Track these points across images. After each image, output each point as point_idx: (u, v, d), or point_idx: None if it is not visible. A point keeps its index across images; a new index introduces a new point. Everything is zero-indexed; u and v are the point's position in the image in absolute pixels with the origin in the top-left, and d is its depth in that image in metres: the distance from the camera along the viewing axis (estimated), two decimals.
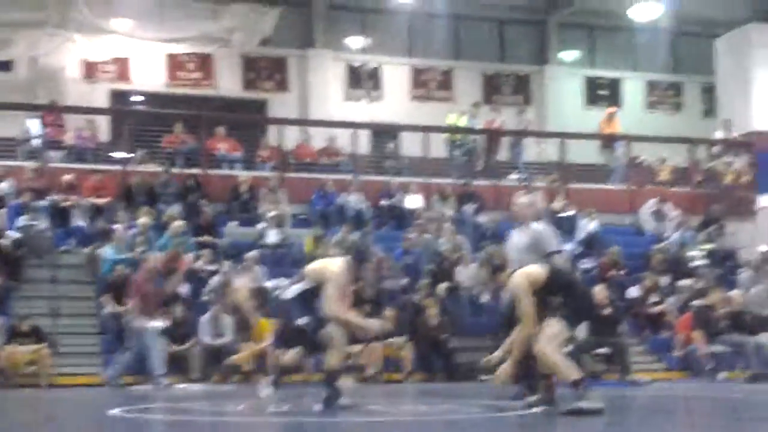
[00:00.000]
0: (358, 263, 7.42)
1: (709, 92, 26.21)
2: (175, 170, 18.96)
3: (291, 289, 7.51)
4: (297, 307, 7.55)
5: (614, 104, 24.91)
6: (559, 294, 7.04)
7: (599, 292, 14.80)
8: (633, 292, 17.33)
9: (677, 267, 18.11)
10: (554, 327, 6.94)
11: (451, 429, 6.09)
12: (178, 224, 16.64)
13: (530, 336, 7.05)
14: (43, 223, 16.93)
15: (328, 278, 7.44)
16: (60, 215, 17.46)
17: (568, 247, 18.83)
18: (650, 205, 20.29)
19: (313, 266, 7.63)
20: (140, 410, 8.35)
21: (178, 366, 14.58)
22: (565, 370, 6.89)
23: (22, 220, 16.83)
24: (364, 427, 6.66)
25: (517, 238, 9.54)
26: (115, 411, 7.98)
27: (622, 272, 17.82)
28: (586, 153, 22.24)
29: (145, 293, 13.64)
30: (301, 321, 7.44)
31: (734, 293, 15.91)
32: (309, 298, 7.56)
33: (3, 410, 9.61)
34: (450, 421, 6.67)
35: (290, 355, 7.57)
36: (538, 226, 9.86)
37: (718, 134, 22.57)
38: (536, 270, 7.19)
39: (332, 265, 7.52)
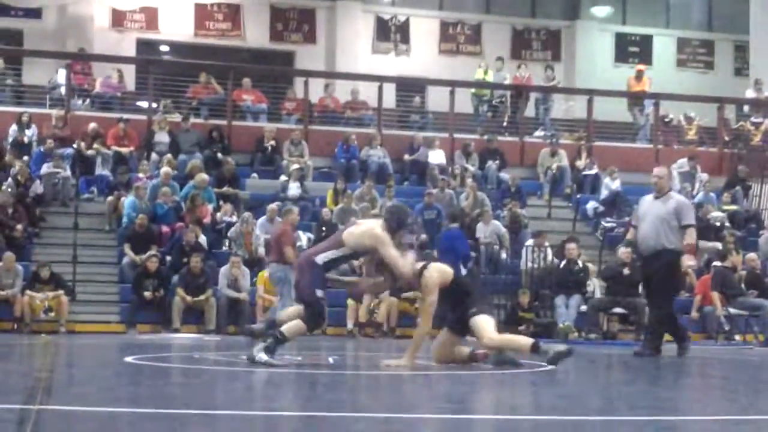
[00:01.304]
0: (394, 230, 7.35)
1: (741, 51, 25.82)
2: (199, 120, 19.04)
3: (325, 254, 7.43)
4: (321, 275, 7.48)
5: (644, 62, 24.60)
6: (458, 300, 7.46)
7: (623, 250, 14.75)
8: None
9: (699, 228, 17.94)
10: (482, 319, 7.36)
11: (456, 383, 6.16)
12: (203, 177, 16.73)
13: (428, 332, 7.70)
14: (66, 171, 17.11)
15: (379, 244, 7.32)
16: (84, 163, 17.61)
17: (591, 205, 18.83)
18: (680, 164, 20.10)
19: (351, 232, 7.46)
20: (156, 358, 8.47)
21: (195, 317, 14.77)
22: (520, 343, 7.51)
23: (45, 167, 17.01)
24: (370, 380, 6.74)
25: (654, 207, 9.84)
26: (131, 359, 8.11)
27: None
28: (614, 111, 22.03)
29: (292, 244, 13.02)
30: (320, 293, 7.39)
31: (752, 256, 15.80)
32: (338, 265, 7.61)
33: (20, 355, 9.79)
34: (456, 375, 6.74)
35: (292, 327, 7.49)
36: (681, 198, 10.02)
37: (749, 94, 22.26)
38: (447, 270, 7.54)
39: (376, 229, 7.37)
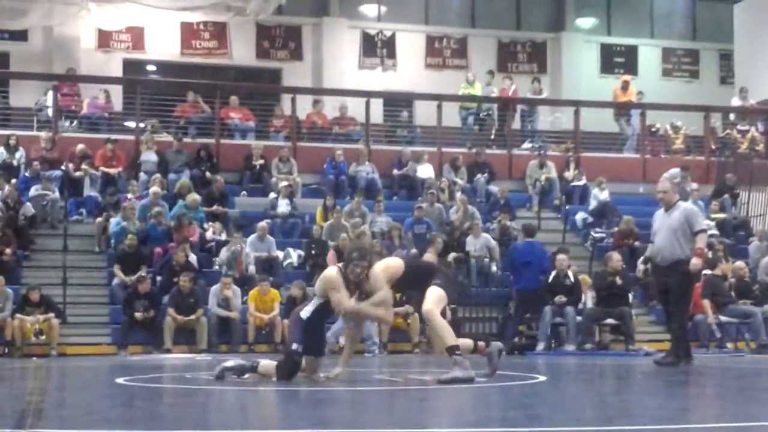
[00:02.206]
0: (348, 263, 7.48)
1: (726, 59, 25.97)
2: (187, 140, 19.04)
3: (306, 308, 7.70)
4: (302, 329, 7.68)
5: (630, 72, 24.73)
6: (420, 283, 7.47)
7: (615, 259, 14.79)
8: (644, 262, 17.23)
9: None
10: (437, 292, 7.35)
11: (453, 398, 6.16)
12: (194, 197, 16.71)
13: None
14: (55, 193, 17.07)
15: (326, 286, 7.60)
16: (72, 185, 17.58)
17: (580, 216, 18.86)
18: (672, 174, 20.11)
19: (317, 281, 7.80)
20: (147, 379, 8.43)
21: (186, 336, 14.73)
22: (446, 335, 7.24)
23: (34, 190, 16.97)
24: (370, 395, 6.73)
25: (665, 220, 10.01)
26: (123, 380, 8.07)
27: (636, 242, 17.74)
28: (600, 121, 22.11)
29: None
30: (295, 346, 7.61)
31: (740, 264, 15.84)
32: (321, 316, 7.74)
33: (11, 378, 9.74)
34: (449, 389, 6.73)
35: (266, 366, 7.76)
36: (688, 205, 10.12)
37: (735, 102, 22.37)
38: (391, 264, 7.54)
39: (327, 273, 7.66)
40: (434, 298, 7.36)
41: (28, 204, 16.55)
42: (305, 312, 7.69)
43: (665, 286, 10.20)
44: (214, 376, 7.80)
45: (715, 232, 18.17)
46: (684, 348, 10.20)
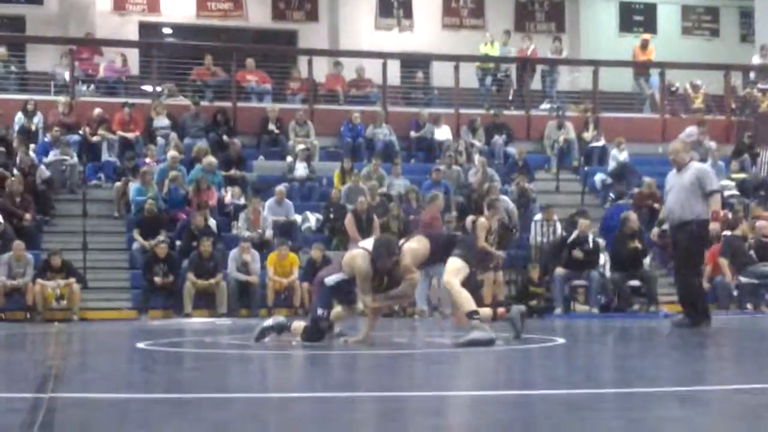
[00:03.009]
0: (378, 259, 7.49)
1: (747, 17, 25.61)
2: (204, 103, 19.01)
3: (333, 276, 7.75)
4: (327, 295, 7.79)
5: (649, 31, 24.46)
6: (442, 255, 7.56)
7: (632, 220, 14.74)
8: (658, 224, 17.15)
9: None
10: (456, 263, 7.39)
11: (471, 361, 6.17)
12: (210, 160, 16.71)
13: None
14: (73, 158, 17.12)
15: (356, 273, 7.64)
16: (90, 150, 17.62)
17: (599, 177, 18.76)
18: (688, 133, 20.01)
19: (344, 258, 7.83)
20: (167, 344, 8.48)
21: (206, 301, 14.81)
22: (464, 302, 7.28)
23: (52, 155, 17.01)
24: (388, 359, 6.75)
25: (677, 180, 9.93)
26: (143, 344, 8.12)
27: (656, 204, 17.63)
28: (619, 81, 21.92)
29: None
30: (320, 312, 7.70)
31: (762, 224, 15.72)
32: (346, 287, 7.84)
33: (32, 343, 9.81)
34: (467, 352, 6.74)
35: (296, 326, 7.85)
36: (701, 165, 10.03)
37: (755, 60, 22.11)
38: (417, 247, 7.57)
39: (355, 261, 7.64)
40: (453, 268, 7.39)
41: (43, 167, 16.56)
42: (330, 279, 7.74)
43: (675, 245, 10.17)
44: (254, 337, 7.80)
45: (735, 192, 18.07)
46: (701, 309, 10.15)
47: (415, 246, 7.61)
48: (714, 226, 9.80)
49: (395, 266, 7.49)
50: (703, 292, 10.67)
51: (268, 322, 7.99)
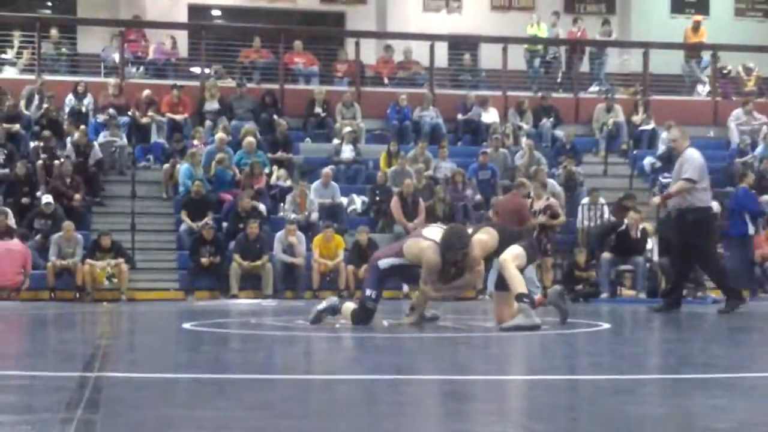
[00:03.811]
0: (448, 251, 7.46)
1: None
2: (251, 85, 19.09)
3: (388, 260, 7.80)
4: (378, 276, 7.86)
5: (701, 12, 24.08)
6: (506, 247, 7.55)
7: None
8: (714, 207, 16.94)
9: (760, 181, 17.64)
10: (517, 249, 7.43)
11: (514, 346, 6.15)
12: (249, 140, 16.77)
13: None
14: (123, 140, 17.28)
15: (424, 264, 7.65)
16: (139, 131, 17.78)
17: (648, 161, 18.55)
18: (736, 116, 19.75)
19: (410, 246, 7.77)
20: (213, 324, 8.55)
21: (252, 282, 14.90)
22: (516, 283, 7.29)
23: (102, 136, 17.18)
24: (433, 342, 6.75)
25: (676, 169, 10.29)
26: (189, 325, 8.20)
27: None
28: (670, 64, 21.64)
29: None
30: (368, 292, 7.77)
31: None
32: (399, 271, 7.91)
33: (81, 323, 9.95)
34: (512, 336, 6.72)
35: (346, 307, 7.90)
36: (689, 153, 10.12)
37: None
38: (487, 240, 7.59)
39: (425, 253, 7.61)
40: (512, 253, 7.40)
41: (97, 148, 16.73)
42: (383, 262, 7.80)
43: (675, 233, 10.38)
44: (309, 321, 7.83)
45: None
46: (729, 291, 10.29)
47: (484, 238, 7.57)
48: (653, 200, 10.27)
49: (464, 258, 7.47)
50: (725, 273, 10.73)
51: (322, 305, 7.98)
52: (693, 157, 10.15)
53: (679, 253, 10.42)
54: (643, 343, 6.97)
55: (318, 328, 7.64)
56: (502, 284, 7.54)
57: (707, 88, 21.12)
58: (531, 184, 14.39)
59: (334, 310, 7.90)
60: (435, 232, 7.73)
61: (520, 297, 7.23)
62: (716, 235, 11.12)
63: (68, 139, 16.76)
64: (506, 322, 7.36)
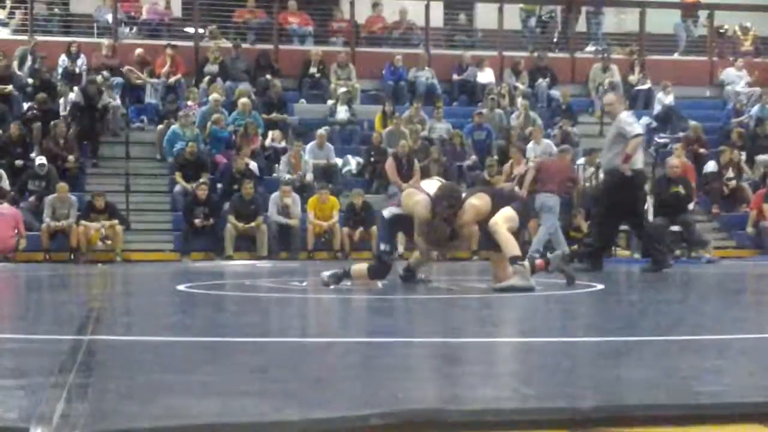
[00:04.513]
0: (437, 206, 7.45)
1: None
2: (246, 45, 18.97)
3: (390, 209, 7.86)
4: (387, 228, 7.90)
5: None
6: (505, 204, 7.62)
7: (676, 164, 14.57)
8: (709, 167, 16.97)
9: (755, 141, 17.64)
10: (510, 213, 7.43)
11: (507, 307, 6.17)
12: (244, 101, 16.71)
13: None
14: (116, 101, 17.20)
15: (415, 216, 7.66)
16: (133, 92, 17.70)
17: (644, 121, 18.52)
18: (732, 72, 19.71)
19: (406, 196, 7.85)
20: (208, 286, 8.55)
21: (246, 244, 14.91)
22: (510, 246, 7.28)
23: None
24: (428, 304, 6.76)
25: (610, 131, 10.56)
26: (183, 287, 8.20)
27: (702, 150, 17.41)
28: (667, 23, 21.53)
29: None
30: (382, 246, 7.79)
31: None
32: (401, 221, 7.88)
33: (75, 285, 9.96)
34: (506, 298, 6.73)
35: (358, 268, 7.88)
36: (623, 115, 10.22)
37: None
38: (480, 205, 7.58)
39: (417, 207, 7.62)
40: (504, 216, 7.39)
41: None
42: (387, 211, 7.84)
43: (605, 194, 10.60)
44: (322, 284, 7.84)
45: None
46: (655, 252, 10.61)
47: (477, 203, 7.55)
48: (623, 167, 10.02)
49: (454, 218, 7.44)
50: (652, 236, 11.04)
51: (326, 273, 7.87)
52: (627, 117, 10.43)
53: (607, 213, 10.56)
54: (637, 304, 6.99)
55: (312, 290, 7.64)
56: (496, 246, 7.54)
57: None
58: (516, 149, 14.65)
59: (338, 279, 7.78)
60: (432, 185, 7.74)
61: (513, 259, 7.22)
62: (645, 196, 11.25)
63: (75, 89, 16.56)
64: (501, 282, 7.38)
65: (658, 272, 10.17)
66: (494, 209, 7.52)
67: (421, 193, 7.64)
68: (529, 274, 7.24)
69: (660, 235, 14.27)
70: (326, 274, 7.85)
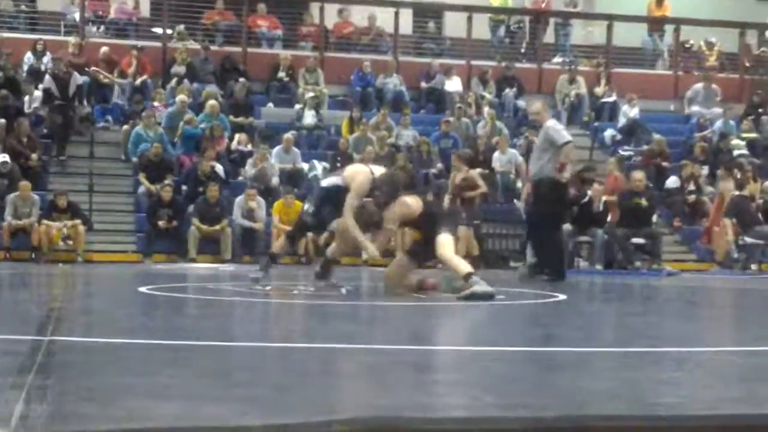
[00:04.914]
0: (378, 189, 7.53)
1: None
2: (214, 48, 18.91)
3: (328, 179, 8.10)
4: (319, 194, 8.13)
5: None
6: (431, 227, 7.70)
7: (637, 178, 14.71)
8: (672, 181, 17.14)
9: (718, 156, 17.84)
10: (446, 237, 7.57)
11: (468, 316, 6.19)
12: (212, 104, 16.65)
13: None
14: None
15: (353, 186, 7.75)
16: (99, 92, 17.58)
17: (609, 133, 18.67)
18: (695, 90, 19.91)
19: (350, 169, 8.10)
20: (170, 288, 8.50)
21: (210, 246, 14.84)
22: (459, 266, 7.43)
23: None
24: (390, 311, 6.76)
25: (537, 140, 10.83)
26: (145, 289, 8.15)
27: (665, 163, 17.57)
28: (633, 36, 21.73)
29: None
30: (306, 206, 8.19)
31: None
32: (335, 195, 7.98)
33: (36, 284, 9.86)
34: (469, 306, 6.75)
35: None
36: (550, 123, 10.44)
37: None
38: (411, 205, 7.73)
39: (358, 176, 7.76)
40: (444, 243, 7.52)
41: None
42: (326, 181, 8.18)
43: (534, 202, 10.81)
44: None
45: (745, 152, 18.00)
46: (553, 266, 10.62)
47: (409, 202, 7.74)
48: (559, 176, 10.25)
49: (386, 206, 7.60)
50: (559, 251, 11.09)
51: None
52: (554, 125, 10.66)
53: (537, 222, 10.80)
54: (598, 316, 7.04)
55: (276, 294, 7.64)
56: (417, 249, 7.85)
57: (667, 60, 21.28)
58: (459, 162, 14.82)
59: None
60: (379, 170, 7.96)
61: (467, 277, 7.30)
62: (563, 207, 11.37)
63: (46, 77, 16.41)
64: (391, 286, 7.70)
65: (557, 282, 10.22)
66: (423, 219, 7.70)
67: (366, 173, 7.84)
68: (485, 283, 7.30)
69: (621, 246, 14.44)
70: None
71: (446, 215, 8.20)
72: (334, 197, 7.92)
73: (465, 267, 7.43)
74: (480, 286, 7.18)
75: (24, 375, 3.11)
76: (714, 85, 19.95)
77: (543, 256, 10.92)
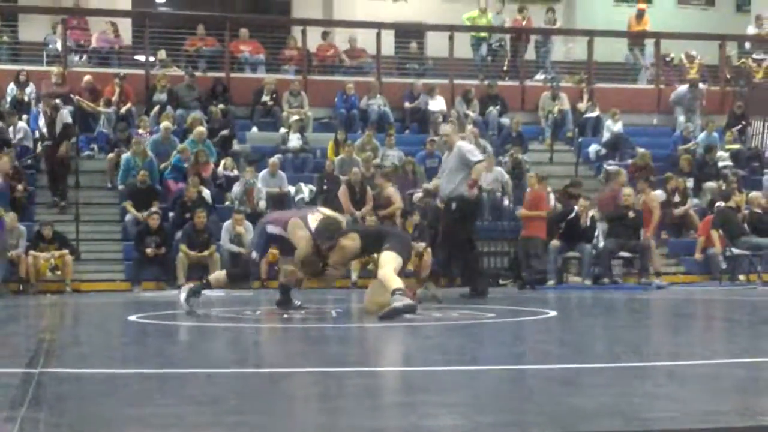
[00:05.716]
0: (318, 239, 7.89)
1: None
2: (197, 74, 18.92)
3: (273, 228, 8.31)
4: (264, 241, 8.45)
5: (644, 0, 24.33)
6: (376, 246, 8.03)
7: (626, 193, 14.77)
8: (657, 194, 17.17)
9: (703, 168, 17.91)
10: (390, 254, 7.77)
11: (458, 334, 6.18)
12: (200, 130, 16.65)
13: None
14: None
15: (297, 250, 8.09)
16: (83, 120, 17.54)
17: (593, 148, 18.73)
18: (680, 93, 20.01)
19: (293, 226, 8.19)
20: (160, 316, 8.48)
21: (199, 273, 14.78)
22: (390, 283, 7.47)
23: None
24: (379, 333, 6.75)
25: (447, 162, 10.97)
26: (135, 317, 8.13)
27: (651, 178, 17.61)
28: (614, 52, 21.85)
29: None
30: (253, 255, 8.46)
31: (756, 195, 15.73)
32: (280, 242, 8.37)
33: (25, 316, 9.82)
34: (460, 325, 6.75)
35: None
36: (462, 144, 10.78)
37: (750, 30, 22.07)
38: (352, 244, 8.05)
39: (302, 242, 8.03)
40: (386, 260, 7.71)
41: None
42: (271, 228, 8.30)
43: (445, 221, 11.00)
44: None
45: (729, 162, 18.09)
46: (475, 283, 10.90)
47: (347, 244, 8.02)
48: (470, 193, 10.60)
49: (328, 253, 7.93)
50: (475, 267, 11.46)
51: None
52: (466, 146, 11.04)
53: (460, 239, 11.00)
54: (588, 331, 7.05)
55: (266, 319, 7.63)
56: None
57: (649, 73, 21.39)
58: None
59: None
60: (316, 219, 8.16)
61: (394, 292, 7.36)
62: (473, 226, 11.49)
63: (36, 109, 16.42)
64: (372, 310, 7.69)
65: (479, 298, 10.41)
66: (365, 248, 8.06)
67: (305, 229, 8.07)
68: (405, 298, 7.34)
69: (607, 258, 14.49)
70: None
71: (387, 233, 8.34)
72: (279, 244, 8.41)
73: (395, 283, 7.47)
74: (399, 302, 7.24)
75: (17, 408, 3.10)
76: (700, 85, 20.07)
77: (463, 275, 11.40)
